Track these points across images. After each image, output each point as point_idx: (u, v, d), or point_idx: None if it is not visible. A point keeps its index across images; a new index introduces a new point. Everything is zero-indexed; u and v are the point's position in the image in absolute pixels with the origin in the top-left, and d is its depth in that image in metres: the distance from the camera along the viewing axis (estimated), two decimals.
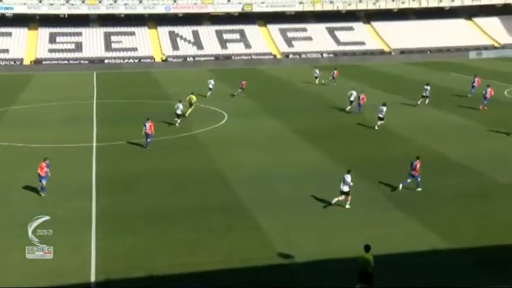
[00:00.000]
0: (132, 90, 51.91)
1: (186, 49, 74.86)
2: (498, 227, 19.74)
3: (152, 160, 28.74)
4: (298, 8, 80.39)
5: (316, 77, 54.67)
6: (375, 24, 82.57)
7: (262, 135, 33.84)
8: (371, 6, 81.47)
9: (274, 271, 17.20)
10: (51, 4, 74.52)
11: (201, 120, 37.36)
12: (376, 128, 34.70)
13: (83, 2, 75.74)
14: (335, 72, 54.00)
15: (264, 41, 77.90)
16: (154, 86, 55.23)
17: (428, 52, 76.51)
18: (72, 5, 75.13)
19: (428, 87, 41.49)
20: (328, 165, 27.30)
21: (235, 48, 75.53)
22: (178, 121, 35.71)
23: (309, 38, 78.49)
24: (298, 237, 19.28)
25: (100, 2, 76.23)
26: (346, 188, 21.75)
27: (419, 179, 23.40)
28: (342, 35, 79.23)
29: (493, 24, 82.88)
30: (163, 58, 72.53)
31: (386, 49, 77.79)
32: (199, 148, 31.06)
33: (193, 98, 39.49)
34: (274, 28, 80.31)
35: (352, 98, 39.87)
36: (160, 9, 77.31)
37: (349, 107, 40.01)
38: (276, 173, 26.23)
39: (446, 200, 22.39)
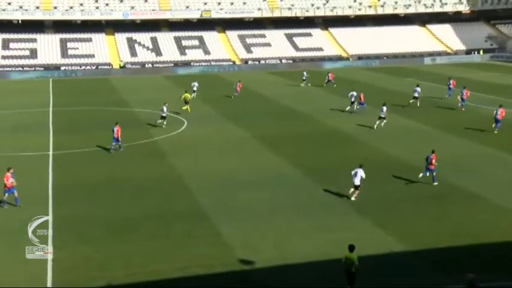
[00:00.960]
0: (89, 98, 51.19)
1: (145, 55, 74.30)
2: (452, 228, 20.22)
3: (111, 167, 28.39)
4: (257, 14, 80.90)
5: (304, 80, 56.06)
6: (332, 30, 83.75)
7: (223, 141, 33.86)
8: (329, 13, 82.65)
9: (233, 277, 17.21)
10: (4, 10, 72.89)
11: (160, 126, 37.11)
12: (375, 127, 35.93)
13: (38, 7, 74.31)
14: (330, 75, 55.84)
15: (223, 47, 78.02)
16: (112, 93, 54.59)
17: (385, 58, 78.04)
18: (26, 10, 73.63)
19: (419, 89, 43.63)
20: (289, 170, 27.51)
21: (194, 55, 75.39)
22: (164, 123, 36.85)
23: (268, 44, 79.02)
24: (258, 243, 19.34)
25: (55, 8, 74.92)
26: (357, 182, 22.88)
27: (434, 174, 24.48)
28: (300, 41, 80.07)
29: (445, 31, 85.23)
30: (121, 65, 71.76)
31: (344, 55, 78.96)
32: (159, 155, 30.84)
33: (188, 96, 43.17)
34: (233, 34, 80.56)
35: (353, 99, 41.80)
36: (117, 16, 76.55)
37: (348, 107, 41.87)
38: (237, 178, 26.28)
39: (402, 203, 22.83)
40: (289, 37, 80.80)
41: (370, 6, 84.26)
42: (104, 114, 42.04)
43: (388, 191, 24.26)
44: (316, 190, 24.57)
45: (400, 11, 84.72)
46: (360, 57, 78.15)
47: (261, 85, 57.88)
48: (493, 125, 34.54)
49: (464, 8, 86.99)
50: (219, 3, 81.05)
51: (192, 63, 73.57)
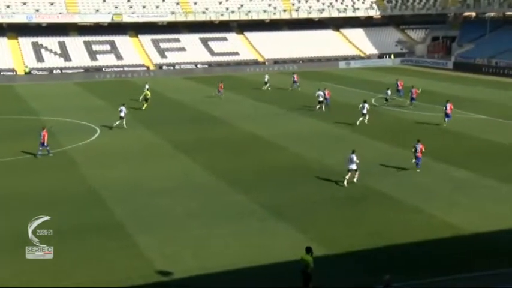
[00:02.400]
0: None
1: (52, 61, 71.71)
2: (370, 230, 20.88)
3: (17, 179, 27.14)
4: (171, 18, 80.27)
5: (266, 83, 56.21)
6: (248, 34, 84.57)
7: (137, 148, 33.31)
8: (244, 17, 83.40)
9: None
10: None
11: (71, 135, 35.94)
12: (357, 123, 38.05)
13: None
14: (295, 76, 55.88)
15: (136, 52, 76.77)
16: (17, 100, 52.26)
17: (301, 62, 79.67)
18: None
19: (389, 91, 46.10)
20: (206, 177, 27.45)
21: (106, 60, 73.64)
22: (124, 123, 38.16)
23: (183, 49, 78.60)
24: (176, 252, 19.14)
25: None
26: (354, 166, 25.35)
27: (420, 162, 27.23)
28: (215, 46, 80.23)
29: (358, 36, 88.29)
30: (27, 71, 68.84)
31: (260, 59, 79.93)
32: (69, 165, 29.82)
33: (148, 93, 46.42)
34: (146, 39, 79.46)
35: (320, 98, 43.45)
36: (20, 19, 73.37)
37: (318, 106, 43.53)
38: (152, 186, 25.92)
39: (321, 207, 23.33)
40: (205, 41, 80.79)
41: (285, 11, 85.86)
42: (9, 123, 40.13)
43: (307, 195, 24.72)
44: (233, 196, 24.65)
45: (314, 15, 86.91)
46: (276, 62, 79.37)
47: (176, 90, 57.48)
48: (444, 119, 38.07)
49: (375, 13, 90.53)
50: (131, 7, 79.75)
51: (103, 69, 71.81)
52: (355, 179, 25.66)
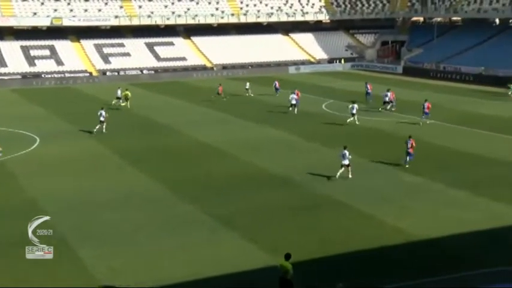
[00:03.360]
0: None
1: None
2: (321, 237, 21.21)
3: None
4: (114, 22, 79.37)
5: (247, 89, 56.31)
6: (195, 39, 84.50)
7: (81, 159, 32.77)
8: (190, 21, 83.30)
9: None
10: None
11: (8, 145, 34.96)
12: (348, 122, 40.57)
13: None
14: (276, 83, 55.84)
15: (77, 57, 75.52)
16: None
17: (250, 67, 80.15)
18: None
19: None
20: (153, 187, 27.27)
21: (45, 66, 72.11)
22: (104, 127, 38.57)
23: (127, 54, 77.83)
24: (124, 266, 18.94)
25: None
26: (346, 162, 27.65)
27: (411, 158, 29.70)
28: (162, 51, 79.80)
29: (308, 40, 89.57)
30: None
31: (208, 64, 79.97)
32: (6, 177, 29.05)
33: (129, 94, 49.07)
34: (88, 43, 78.30)
35: (294, 102, 45.75)
36: None
37: (290, 108, 45.87)
38: (97, 198, 25.55)
39: (271, 215, 23.51)
40: (150, 46, 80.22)
41: (232, 15, 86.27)
42: None
43: (259, 204, 24.88)
44: (182, 206, 24.60)
45: (263, 19, 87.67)
46: (225, 67, 79.59)
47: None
48: (422, 117, 41.37)
49: (324, 18, 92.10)
50: (71, 10, 78.46)
51: (43, 75, 70.26)
52: (350, 175, 27.78)
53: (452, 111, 46.52)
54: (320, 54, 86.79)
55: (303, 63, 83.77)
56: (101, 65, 74.96)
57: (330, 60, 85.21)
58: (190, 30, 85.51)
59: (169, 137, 38.56)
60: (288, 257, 16.31)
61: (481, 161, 31.46)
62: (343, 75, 75.67)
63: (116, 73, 74.05)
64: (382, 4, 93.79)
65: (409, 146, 29.89)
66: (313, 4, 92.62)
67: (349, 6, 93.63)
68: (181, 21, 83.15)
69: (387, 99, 46.75)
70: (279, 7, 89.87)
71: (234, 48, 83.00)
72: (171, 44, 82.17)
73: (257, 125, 42.13)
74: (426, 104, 41.21)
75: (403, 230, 21.66)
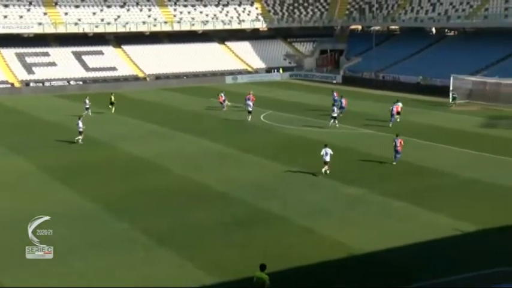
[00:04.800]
0: None
1: None
2: (260, 254, 21.27)
3: None
4: (38, 29, 77.60)
5: (224, 101, 55.00)
6: (126, 48, 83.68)
7: (5, 176, 31.94)
8: (121, 29, 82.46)
9: None
10: None
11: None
12: (330, 124, 44.60)
13: None
14: (250, 96, 52.43)
15: None
16: None
17: (185, 77, 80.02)
18: None
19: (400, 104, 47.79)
20: (84, 204, 26.83)
21: None
22: (81, 138, 39.51)
23: (53, 64, 76.24)
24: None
25: None
26: (328, 158, 30.55)
27: (399, 156, 32.85)
28: (90, 60, 78.59)
29: (245, 49, 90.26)
30: None
31: (141, 75, 79.30)
32: None
33: (112, 98, 53.46)
34: (9, 52, 76.18)
35: (250, 108, 47.84)
36: None
37: (249, 118, 47.65)
38: (24, 218, 24.59)
39: (207, 232, 23.51)
40: (78, 55, 78.87)
41: (166, 22, 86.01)
42: None
43: (194, 220, 24.87)
44: (116, 224, 24.33)
45: (198, 27, 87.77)
46: (158, 77, 79.14)
47: (47, 110, 55.69)
48: (390, 120, 45.07)
49: (261, 26, 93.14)
50: None
51: None
52: (327, 171, 30.71)
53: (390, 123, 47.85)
54: (258, 63, 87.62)
55: (240, 72, 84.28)
56: (23, 75, 73.08)
57: (268, 70, 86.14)
58: (120, 39, 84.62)
59: (100, 151, 38.01)
60: (263, 267, 16.47)
61: (422, 171, 32.50)
62: (281, 85, 76.61)
63: (41, 84, 72.37)
64: (320, 12, 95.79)
65: (398, 144, 32.80)
66: (249, 12, 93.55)
67: (286, 14, 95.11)
68: (111, 29, 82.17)
69: (343, 105, 49.87)
70: (215, 15, 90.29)
71: (167, 57, 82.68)
72: (101, 53, 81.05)
73: (194, 137, 42.08)
74: (395, 107, 45.17)
75: (344, 243, 22.10)
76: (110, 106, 53.52)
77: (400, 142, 33.01)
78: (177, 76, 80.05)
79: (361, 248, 21.68)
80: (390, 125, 44.83)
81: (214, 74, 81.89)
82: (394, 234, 23.16)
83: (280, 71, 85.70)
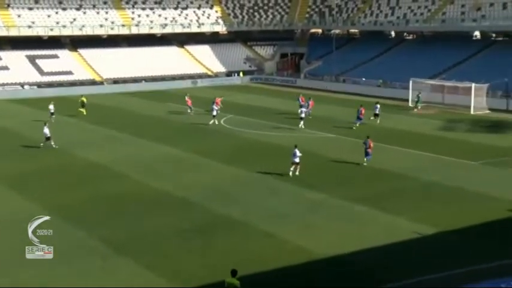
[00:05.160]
0: None
1: None
2: (220, 260, 21.23)
3: None
4: None
5: (190, 110, 54.20)
6: (82, 51, 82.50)
7: None
8: (77, 32, 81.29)
9: None
10: None
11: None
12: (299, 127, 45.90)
13: None
14: (217, 100, 51.67)
15: None
16: None
17: (143, 81, 79.30)
18: None
19: (378, 106, 49.68)
20: (38, 213, 26.11)
21: None
22: (53, 143, 39.41)
23: (5, 68, 74.62)
24: None
25: None
26: (297, 160, 31.17)
27: (369, 157, 33.96)
28: (45, 64, 77.21)
29: (204, 53, 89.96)
30: None
31: (98, 79, 78.30)
32: None
33: (84, 100, 53.81)
34: None
35: (214, 113, 48.32)
36: None
37: (212, 122, 48.02)
38: None
39: (166, 239, 23.32)
40: (32, 59, 77.40)
41: (123, 26, 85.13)
42: None
43: (153, 227, 24.63)
44: (72, 233, 23.90)
45: (157, 31, 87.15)
46: (116, 81, 78.27)
47: (1, 116, 54.44)
48: (356, 122, 46.50)
49: (221, 29, 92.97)
50: None
51: None
52: (297, 172, 31.39)
53: (355, 125, 48.34)
54: (218, 67, 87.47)
55: (200, 76, 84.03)
56: None
57: (228, 74, 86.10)
58: (76, 42, 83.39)
59: (54, 156, 37.36)
60: (234, 273, 16.54)
61: (383, 175, 32.88)
62: (242, 89, 76.65)
63: None
64: (280, 15, 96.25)
65: (368, 146, 33.99)
66: (209, 15, 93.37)
67: (246, 17, 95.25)
68: (66, 32, 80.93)
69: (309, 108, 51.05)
70: (174, 18, 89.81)
71: (125, 61, 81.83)
72: (56, 56, 79.72)
73: (152, 143, 41.73)
74: (361, 109, 46.53)
75: (306, 248, 22.20)
76: (81, 109, 53.13)
77: (370, 144, 34.17)
78: (136, 80, 79.28)
79: (323, 252, 21.82)
80: (357, 124, 46.32)
81: (173, 78, 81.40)
82: (356, 237, 23.37)
83: (241, 74, 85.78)
